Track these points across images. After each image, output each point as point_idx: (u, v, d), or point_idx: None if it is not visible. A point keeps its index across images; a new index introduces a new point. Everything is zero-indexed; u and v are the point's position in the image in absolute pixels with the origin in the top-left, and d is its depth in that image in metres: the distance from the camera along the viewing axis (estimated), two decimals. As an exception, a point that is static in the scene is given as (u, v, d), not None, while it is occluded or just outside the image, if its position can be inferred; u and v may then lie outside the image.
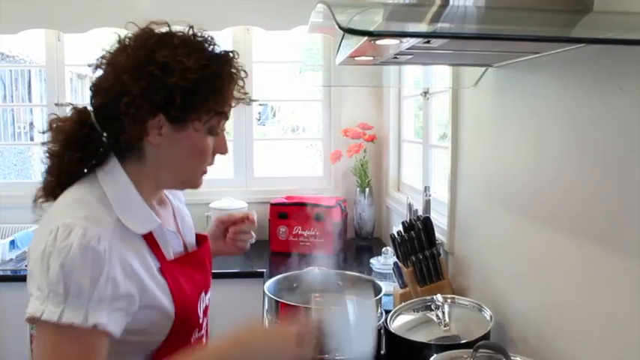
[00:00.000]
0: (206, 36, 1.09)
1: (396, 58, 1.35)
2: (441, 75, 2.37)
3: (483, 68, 1.65)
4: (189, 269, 1.15)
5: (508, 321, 1.50)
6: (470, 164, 1.86)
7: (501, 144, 1.59)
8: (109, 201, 1.02)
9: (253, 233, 1.46)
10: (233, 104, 1.12)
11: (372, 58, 1.38)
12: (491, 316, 1.43)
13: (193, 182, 1.15)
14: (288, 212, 2.94)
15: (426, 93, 2.48)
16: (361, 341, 1.05)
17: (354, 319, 1.04)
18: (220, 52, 1.09)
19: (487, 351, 1.19)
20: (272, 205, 2.99)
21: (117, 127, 1.03)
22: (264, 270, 2.53)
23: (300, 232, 2.88)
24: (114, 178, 1.06)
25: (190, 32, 1.08)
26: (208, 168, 1.16)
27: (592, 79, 1.13)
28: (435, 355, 1.23)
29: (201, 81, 1.02)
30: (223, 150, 1.15)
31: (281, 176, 3.43)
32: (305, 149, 3.69)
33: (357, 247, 3.09)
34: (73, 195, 1.04)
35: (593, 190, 1.12)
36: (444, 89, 2.16)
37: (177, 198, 1.31)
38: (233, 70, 1.09)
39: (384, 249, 2.35)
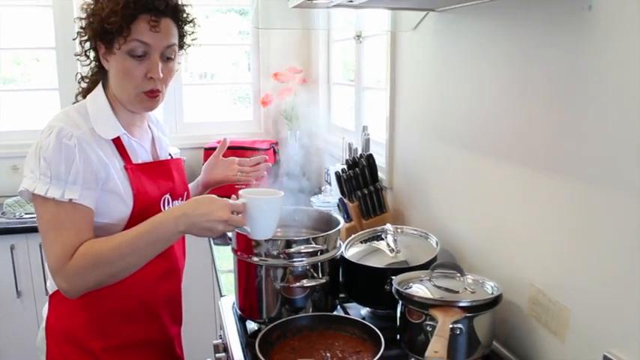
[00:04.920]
0: None
1: (351, 1, 1.39)
2: (376, 19, 2.42)
3: (424, 12, 1.73)
4: (153, 174, 1.44)
5: (452, 247, 1.64)
6: (409, 105, 1.95)
7: (442, 85, 1.68)
8: (88, 114, 1.34)
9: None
10: (130, 26, 1.30)
11: (327, 0, 1.42)
12: (437, 242, 1.55)
13: (140, 104, 1.38)
14: (222, 156, 2.95)
15: (359, 36, 2.54)
16: (265, 227, 1.30)
17: (263, 209, 1.29)
18: None
19: (443, 270, 1.33)
20: (206, 149, 3.00)
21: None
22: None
23: (237, 176, 2.91)
24: (94, 98, 1.39)
25: None
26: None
27: (536, 20, 1.23)
28: (394, 277, 1.35)
29: (92, 14, 1.33)
30: (152, 73, 1.34)
31: (211, 121, 3.42)
32: (222, 95, 3.65)
33: (291, 188, 3.17)
34: (64, 110, 1.36)
35: (532, 120, 1.24)
36: (381, 33, 2.23)
37: (161, 131, 1.59)
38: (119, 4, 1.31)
39: (323, 187, 2.45)
